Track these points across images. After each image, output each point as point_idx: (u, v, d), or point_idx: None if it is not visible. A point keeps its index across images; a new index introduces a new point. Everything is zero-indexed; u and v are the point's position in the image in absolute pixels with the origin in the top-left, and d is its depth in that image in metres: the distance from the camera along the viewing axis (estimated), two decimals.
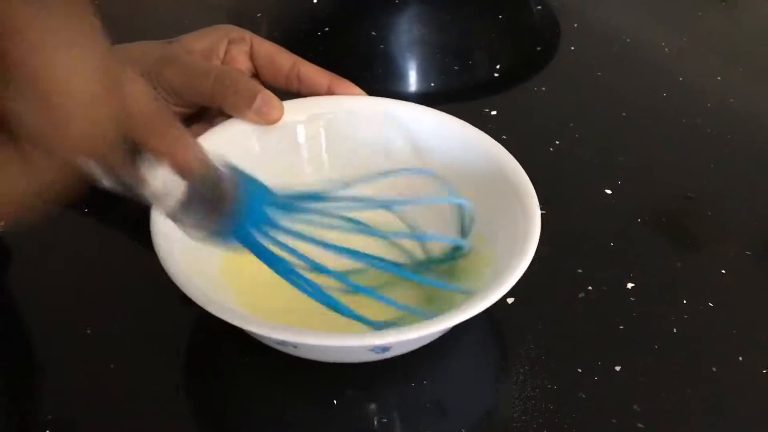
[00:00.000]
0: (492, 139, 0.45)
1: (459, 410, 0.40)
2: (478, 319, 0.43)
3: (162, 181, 0.34)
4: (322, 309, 0.40)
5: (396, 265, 0.41)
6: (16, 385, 0.41)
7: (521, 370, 0.41)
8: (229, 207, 0.35)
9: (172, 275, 0.36)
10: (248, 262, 0.40)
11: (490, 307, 0.43)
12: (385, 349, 0.38)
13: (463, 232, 0.43)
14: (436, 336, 0.40)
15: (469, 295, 0.38)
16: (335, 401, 0.39)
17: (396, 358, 0.40)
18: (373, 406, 0.40)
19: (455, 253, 0.43)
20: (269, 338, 0.38)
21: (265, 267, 0.38)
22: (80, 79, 0.28)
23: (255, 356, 0.40)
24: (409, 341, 0.38)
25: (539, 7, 0.71)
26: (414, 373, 0.41)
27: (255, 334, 0.37)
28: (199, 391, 0.40)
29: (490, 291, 0.37)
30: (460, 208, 0.43)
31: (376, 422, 0.39)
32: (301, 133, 0.46)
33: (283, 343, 0.37)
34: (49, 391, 0.40)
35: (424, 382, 0.40)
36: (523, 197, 0.41)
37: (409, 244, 0.43)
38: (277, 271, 0.37)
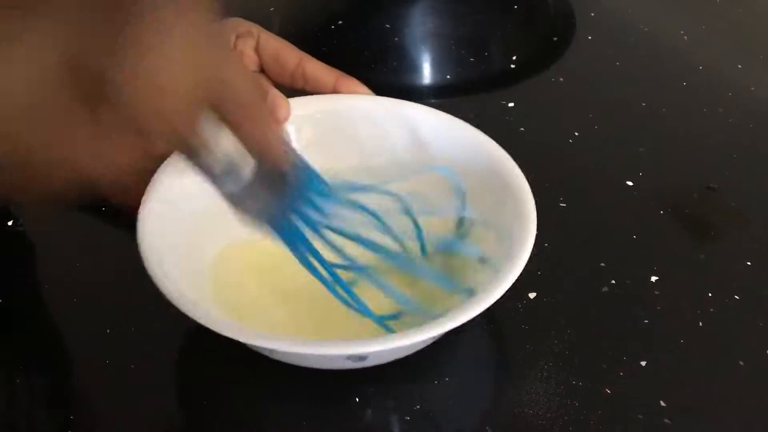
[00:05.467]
0: (493, 141, 0.43)
1: (483, 407, 0.39)
2: (500, 314, 0.42)
3: (231, 158, 0.34)
4: (310, 318, 0.40)
5: (399, 256, 0.41)
6: (36, 383, 0.40)
7: (545, 366, 0.40)
8: (286, 191, 0.36)
9: (156, 281, 0.36)
10: (237, 270, 0.41)
11: (512, 302, 0.43)
12: (361, 358, 0.37)
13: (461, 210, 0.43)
14: (421, 346, 0.39)
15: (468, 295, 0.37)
16: (357, 398, 0.39)
17: (416, 356, 0.39)
18: (395, 404, 0.39)
19: (459, 230, 0.42)
20: (249, 344, 0.37)
21: (254, 276, 0.39)
22: (180, 58, 0.29)
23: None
24: (388, 351, 0.37)
25: None
26: (436, 371, 0.40)
27: (231, 338, 0.37)
28: (215, 393, 0.40)
29: (474, 303, 0.35)
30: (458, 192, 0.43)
31: (399, 421, 0.38)
32: (303, 130, 0.45)
33: (259, 348, 0.37)
34: (70, 390, 0.40)
35: (447, 379, 0.40)
36: (519, 198, 0.40)
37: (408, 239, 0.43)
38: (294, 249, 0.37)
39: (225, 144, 0.34)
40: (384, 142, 0.46)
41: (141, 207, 0.39)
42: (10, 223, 0.48)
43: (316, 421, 0.38)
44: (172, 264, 0.37)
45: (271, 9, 0.67)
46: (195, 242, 0.41)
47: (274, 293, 0.42)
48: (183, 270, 0.38)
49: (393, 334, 0.35)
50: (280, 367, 0.39)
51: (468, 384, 0.40)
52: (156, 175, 0.40)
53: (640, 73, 0.61)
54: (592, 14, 0.67)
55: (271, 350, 0.37)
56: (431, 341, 0.39)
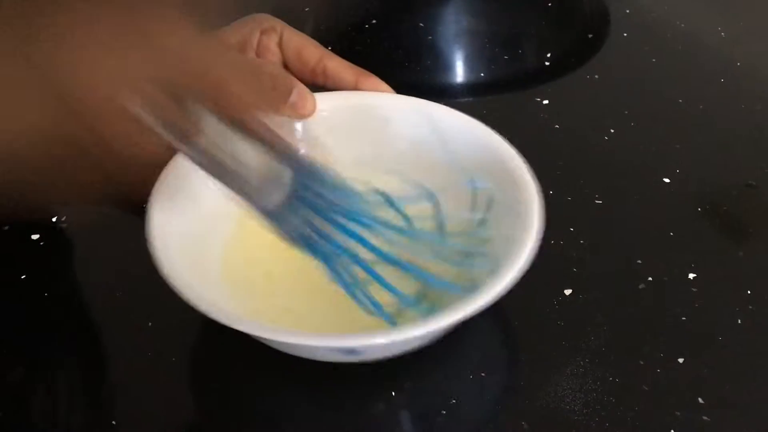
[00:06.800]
0: (501, 138, 0.43)
1: (518, 403, 0.39)
2: (536, 310, 0.42)
3: (258, 164, 0.34)
4: (318, 309, 0.40)
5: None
6: (80, 378, 0.41)
7: (581, 363, 0.40)
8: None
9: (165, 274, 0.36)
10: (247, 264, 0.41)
11: (548, 298, 0.43)
12: (352, 351, 0.37)
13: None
14: (425, 341, 0.38)
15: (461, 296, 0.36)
16: (393, 393, 0.39)
17: (451, 351, 0.39)
18: (430, 399, 0.39)
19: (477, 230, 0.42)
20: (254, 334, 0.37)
21: (261, 269, 0.41)
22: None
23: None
24: (380, 346, 0.36)
25: None
26: (472, 366, 0.40)
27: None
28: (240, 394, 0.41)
29: (473, 299, 0.35)
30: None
31: (434, 415, 0.38)
32: (321, 125, 0.45)
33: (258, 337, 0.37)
34: (112, 386, 0.41)
35: (482, 374, 0.40)
36: (524, 195, 0.40)
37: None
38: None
39: (255, 159, 0.34)
40: (400, 139, 0.46)
41: (150, 201, 0.39)
42: (54, 219, 0.48)
43: (346, 415, 0.39)
44: (181, 255, 0.38)
45: (306, 9, 0.67)
46: (205, 231, 0.41)
47: (284, 279, 0.42)
48: (191, 260, 0.38)
49: (382, 330, 0.35)
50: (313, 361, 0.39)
51: (503, 379, 0.40)
52: (164, 172, 0.41)
53: (677, 70, 0.60)
54: (628, 11, 0.66)
55: (268, 339, 0.37)
56: (439, 336, 0.38)
